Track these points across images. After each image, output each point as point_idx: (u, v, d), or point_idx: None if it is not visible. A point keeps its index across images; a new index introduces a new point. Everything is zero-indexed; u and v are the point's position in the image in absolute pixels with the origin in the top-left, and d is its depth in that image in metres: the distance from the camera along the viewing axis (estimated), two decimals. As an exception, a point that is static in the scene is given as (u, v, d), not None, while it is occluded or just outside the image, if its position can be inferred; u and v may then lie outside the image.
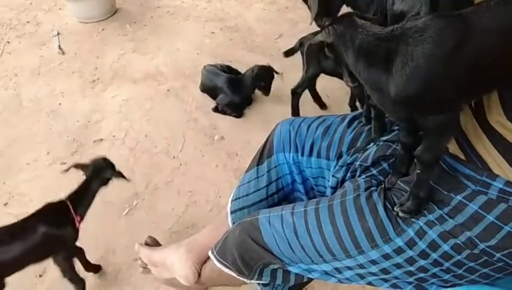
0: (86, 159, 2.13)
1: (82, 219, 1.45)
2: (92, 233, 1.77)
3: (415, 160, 0.87)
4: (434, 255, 0.88)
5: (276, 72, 2.35)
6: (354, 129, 1.17)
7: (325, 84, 2.36)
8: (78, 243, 1.50)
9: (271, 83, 2.34)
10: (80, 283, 1.51)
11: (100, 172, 1.50)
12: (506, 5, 0.69)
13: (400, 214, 0.90)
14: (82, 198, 1.46)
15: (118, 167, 2.07)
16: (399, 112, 0.85)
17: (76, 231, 1.44)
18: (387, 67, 0.75)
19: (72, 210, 1.41)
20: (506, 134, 0.82)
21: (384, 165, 1.08)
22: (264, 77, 2.31)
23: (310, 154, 1.20)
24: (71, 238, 1.44)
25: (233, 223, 1.26)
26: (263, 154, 1.30)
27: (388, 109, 0.87)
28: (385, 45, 0.76)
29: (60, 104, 2.50)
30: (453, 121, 0.80)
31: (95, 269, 1.64)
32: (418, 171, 0.87)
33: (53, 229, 1.37)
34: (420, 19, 0.74)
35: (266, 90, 2.34)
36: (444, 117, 0.79)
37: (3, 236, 1.32)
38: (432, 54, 0.71)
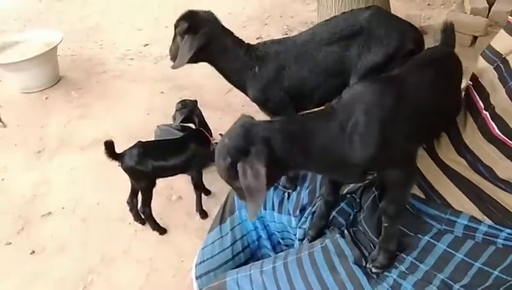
0: (33, 236, 2.01)
1: None
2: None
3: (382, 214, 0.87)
4: None
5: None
6: (309, 184, 1.16)
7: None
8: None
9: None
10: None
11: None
12: (424, 68, 0.87)
13: (373, 270, 0.89)
14: None
15: (69, 240, 1.95)
16: (356, 175, 0.87)
17: None
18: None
19: None
20: (461, 169, 0.84)
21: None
22: None
23: (273, 208, 1.17)
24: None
25: (200, 289, 1.18)
26: (225, 211, 1.25)
27: (344, 176, 0.88)
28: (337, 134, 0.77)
29: (2, 179, 2.35)
30: (411, 172, 0.83)
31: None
32: (386, 225, 0.87)
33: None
34: (355, 86, 0.81)
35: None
36: (403, 170, 0.82)
37: None
38: (376, 119, 0.75)
